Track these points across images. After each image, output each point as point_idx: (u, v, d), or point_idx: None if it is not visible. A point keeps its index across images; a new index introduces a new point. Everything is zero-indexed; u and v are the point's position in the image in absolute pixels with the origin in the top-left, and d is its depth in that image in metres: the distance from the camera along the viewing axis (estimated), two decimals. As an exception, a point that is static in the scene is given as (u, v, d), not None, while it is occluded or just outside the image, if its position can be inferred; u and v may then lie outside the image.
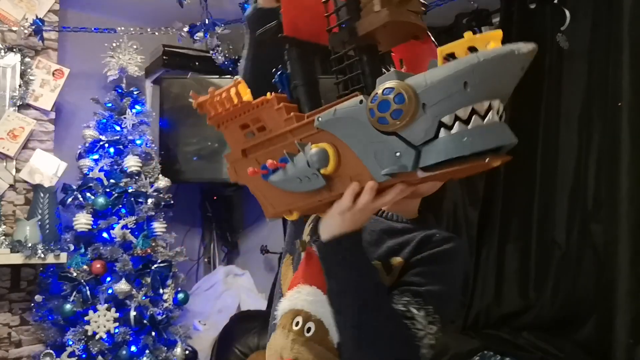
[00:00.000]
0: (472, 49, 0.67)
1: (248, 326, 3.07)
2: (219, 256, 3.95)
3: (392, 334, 0.91)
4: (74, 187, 2.86)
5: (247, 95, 0.87)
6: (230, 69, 3.25)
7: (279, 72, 0.91)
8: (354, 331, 0.93)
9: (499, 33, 0.69)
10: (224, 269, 3.72)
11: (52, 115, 2.98)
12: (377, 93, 0.71)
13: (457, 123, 0.67)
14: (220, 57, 3.15)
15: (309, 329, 1.00)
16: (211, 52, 3.15)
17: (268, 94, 0.87)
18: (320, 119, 0.78)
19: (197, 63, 3.47)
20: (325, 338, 0.99)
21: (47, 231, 2.72)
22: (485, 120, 0.67)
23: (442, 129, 0.68)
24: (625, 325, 1.97)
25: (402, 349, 0.92)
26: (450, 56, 0.68)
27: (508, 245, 2.57)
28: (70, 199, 2.83)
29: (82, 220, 2.77)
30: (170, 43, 3.33)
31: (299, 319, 1.02)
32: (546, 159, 2.54)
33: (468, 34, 0.68)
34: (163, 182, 3.03)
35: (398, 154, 0.72)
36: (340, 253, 0.91)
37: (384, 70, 0.81)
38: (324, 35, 0.83)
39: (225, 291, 3.54)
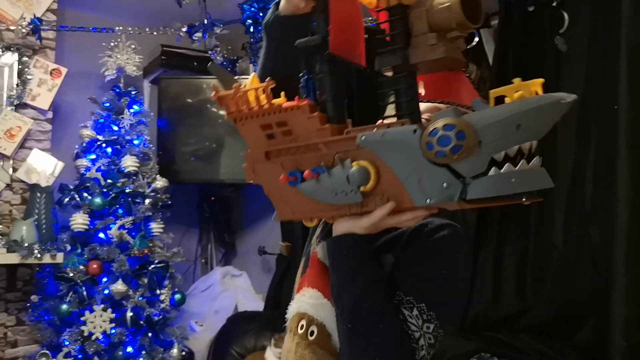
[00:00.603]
0: (520, 95, 0.74)
1: (245, 327, 3.06)
2: (216, 257, 3.94)
3: (384, 334, 0.90)
4: (71, 187, 2.85)
5: (277, 99, 0.89)
6: (228, 69, 3.24)
7: (305, 77, 0.91)
8: (347, 328, 0.94)
9: (540, 81, 0.77)
10: (221, 269, 3.71)
11: (50, 115, 2.98)
12: (436, 128, 0.75)
13: (507, 164, 0.73)
14: (218, 57, 3.15)
15: (312, 332, 1.00)
16: (210, 52, 3.15)
17: (283, 94, 0.89)
18: (364, 137, 0.82)
19: (195, 63, 3.46)
20: (328, 342, 0.99)
21: (44, 231, 2.71)
22: (531, 164, 0.75)
23: (493, 167, 0.74)
24: (620, 328, 1.97)
25: (394, 350, 0.91)
26: (500, 98, 0.75)
27: (506, 247, 2.57)
28: (67, 199, 2.82)
29: (79, 220, 2.77)
30: (169, 43, 3.33)
31: (303, 322, 1.02)
32: (544, 161, 2.53)
33: (517, 80, 0.76)
34: (161, 182, 3.03)
35: (445, 184, 0.77)
36: (345, 248, 0.93)
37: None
38: (359, 55, 0.86)
39: (223, 292, 3.53)
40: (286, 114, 0.88)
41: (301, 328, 1.02)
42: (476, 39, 2.67)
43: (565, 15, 2.35)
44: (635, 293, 1.97)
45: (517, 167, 0.74)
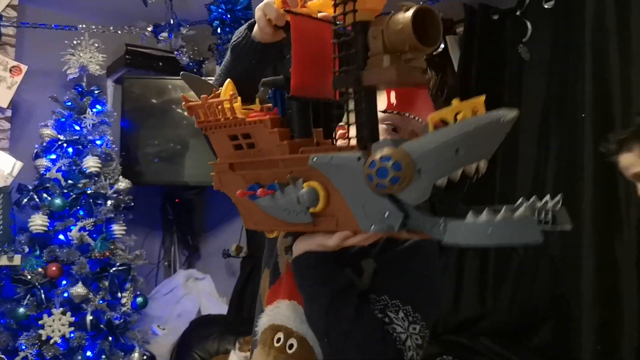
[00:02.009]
0: (460, 116, 0.72)
1: (208, 331, 3.04)
2: (180, 260, 3.90)
3: (362, 337, 0.91)
4: (30, 187, 2.79)
5: (242, 111, 0.89)
6: (194, 70, 3.21)
7: (272, 89, 0.92)
8: (324, 342, 0.95)
9: (482, 100, 0.73)
10: (185, 272, 3.67)
11: (9, 113, 2.91)
12: (374, 160, 0.74)
13: (485, 211, 0.69)
14: (184, 58, 3.12)
15: (291, 346, 0.99)
16: (175, 52, 3.12)
17: (258, 101, 0.90)
18: (315, 159, 0.81)
19: (160, 63, 3.42)
20: (311, 355, 0.98)
21: (1, 232, 2.64)
22: (517, 213, 0.68)
23: (470, 213, 0.70)
24: (592, 332, 2.01)
25: (376, 350, 0.91)
26: (441, 122, 0.72)
27: (467, 252, 2.61)
28: (25, 200, 2.76)
29: (38, 222, 2.70)
30: (134, 42, 3.28)
31: (280, 335, 1.00)
32: (505, 168, 2.58)
33: (456, 101, 0.72)
34: (123, 183, 2.98)
35: (387, 214, 0.76)
36: (304, 267, 0.95)
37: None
38: (327, 90, 0.84)
39: (185, 295, 3.49)
40: (250, 127, 0.89)
41: (277, 341, 1.00)
42: (442, 46, 2.71)
43: (528, 24, 2.40)
44: (605, 297, 2.02)
45: (497, 218, 0.68)
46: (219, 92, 0.92)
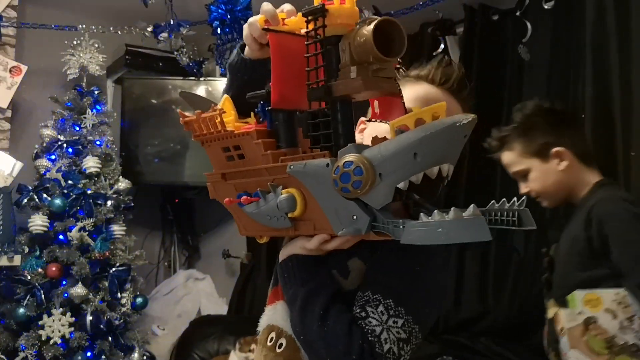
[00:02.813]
0: (420, 121, 0.76)
1: (208, 331, 3.04)
2: (180, 260, 3.90)
3: (328, 334, 0.93)
4: (30, 187, 2.79)
5: (230, 123, 0.96)
6: (194, 70, 3.21)
7: (260, 103, 0.96)
8: (301, 340, 0.99)
9: (443, 105, 0.78)
10: (184, 273, 3.67)
11: (9, 114, 2.90)
12: (339, 166, 0.79)
13: (435, 212, 0.72)
14: (184, 59, 3.12)
15: (280, 345, 1.02)
16: (175, 53, 3.12)
17: (252, 114, 0.96)
18: (292, 167, 0.86)
19: (160, 64, 3.42)
20: (297, 354, 1.01)
21: (1, 232, 2.64)
22: (466, 213, 0.71)
23: (422, 214, 0.73)
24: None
25: (340, 347, 0.92)
26: (402, 129, 0.77)
27: (467, 251, 2.61)
28: (25, 200, 2.76)
29: (38, 222, 2.70)
30: (134, 42, 3.28)
31: (273, 334, 1.04)
32: (506, 170, 2.59)
33: (416, 108, 0.77)
34: (123, 184, 2.98)
35: (355, 217, 0.81)
36: (286, 271, 1.02)
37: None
38: (306, 102, 0.88)
39: (185, 295, 3.49)
40: (239, 139, 0.94)
41: (270, 340, 1.03)
42: (442, 46, 2.71)
43: (528, 25, 2.40)
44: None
45: (447, 217, 0.71)
46: (217, 107, 0.97)
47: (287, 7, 0.96)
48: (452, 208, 0.71)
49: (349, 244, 0.91)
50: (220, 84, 3.20)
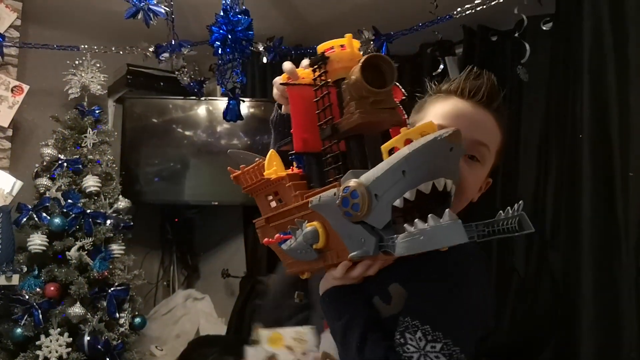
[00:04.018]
0: (408, 141, 0.80)
1: (206, 351, 3.02)
2: (179, 280, 3.88)
3: None
4: (30, 206, 2.78)
5: (273, 173, 1.03)
6: (195, 90, 3.23)
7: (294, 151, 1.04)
8: None
9: (431, 125, 0.82)
10: (183, 292, 3.65)
11: (10, 133, 2.91)
12: (338, 192, 0.85)
13: (417, 221, 0.76)
14: (185, 79, 3.14)
15: None
16: (176, 72, 3.13)
17: (294, 164, 1.04)
18: (312, 202, 0.91)
19: (161, 83, 3.44)
20: None
21: (0, 251, 2.63)
22: (442, 219, 0.75)
23: (405, 226, 0.77)
24: (591, 353, 1.99)
25: None
26: (392, 150, 0.81)
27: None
28: (25, 219, 2.75)
29: (37, 241, 2.69)
30: (135, 62, 3.30)
31: None
32: (506, 187, 2.59)
33: (404, 129, 0.83)
34: (123, 203, 2.98)
35: (363, 240, 0.84)
36: (325, 305, 1.06)
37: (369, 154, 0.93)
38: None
39: (184, 315, 3.47)
40: (276, 185, 1.03)
41: None
42: (441, 67, 2.73)
43: (527, 46, 2.42)
44: (604, 319, 2.00)
45: (427, 225, 0.75)
46: (263, 161, 1.05)
47: (286, 66, 1.05)
48: (430, 215, 0.75)
49: (373, 270, 0.95)
50: (221, 103, 3.22)
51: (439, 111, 1.11)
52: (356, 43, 0.97)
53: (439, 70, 2.73)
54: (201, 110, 3.44)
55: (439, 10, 2.39)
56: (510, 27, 2.55)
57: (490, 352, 2.43)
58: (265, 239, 1.05)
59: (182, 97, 3.40)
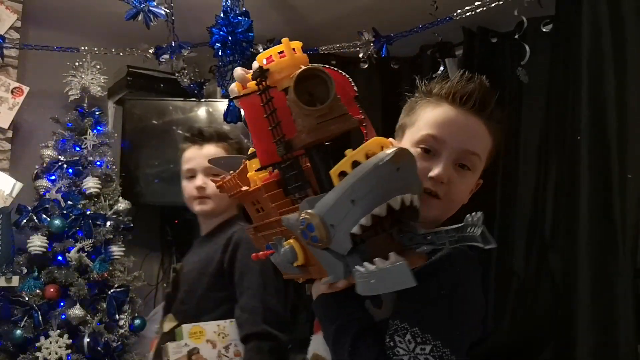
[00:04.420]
0: (356, 163, 0.77)
1: (206, 353, 3.01)
2: (179, 281, 3.87)
3: None
4: (30, 208, 2.78)
5: (250, 174, 1.01)
6: (195, 91, 3.23)
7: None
8: None
9: (376, 142, 0.79)
10: (183, 294, 3.64)
11: (9, 134, 2.91)
12: (298, 224, 0.82)
13: (365, 263, 0.76)
14: (185, 80, 3.14)
15: None
16: (176, 74, 3.13)
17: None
18: (283, 221, 0.89)
19: (161, 85, 3.44)
20: None
21: (0, 253, 2.63)
22: (389, 261, 0.74)
23: (357, 266, 0.77)
24: (587, 355, 1.99)
25: None
26: (342, 174, 0.78)
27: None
28: (25, 220, 2.75)
29: (37, 243, 2.69)
30: (135, 64, 3.30)
31: None
32: (505, 189, 2.59)
33: (349, 151, 0.78)
34: (123, 204, 2.98)
35: (332, 265, 0.83)
36: (317, 311, 1.05)
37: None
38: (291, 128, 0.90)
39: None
40: (256, 194, 1.00)
41: None
42: (441, 68, 2.73)
43: (527, 47, 2.42)
44: (601, 321, 2.00)
45: (375, 268, 0.74)
46: (245, 165, 1.03)
47: (236, 72, 0.97)
48: (377, 259, 0.75)
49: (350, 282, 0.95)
50: (221, 105, 3.22)
51: (430, 118, 1.10)
52: (296, 44, 0.90)
53: (439, 72, 2.73)
54: (201, 112, 3.44)
55: (438, 12, 2.39)
56: (510, 28, 2.56)
57: (489, 355, 2.43)
58: (254, 254, 1.03)
59: (182, 99, 3.39)
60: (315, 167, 0.87)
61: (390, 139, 1.14)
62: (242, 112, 1.00)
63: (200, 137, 1.97)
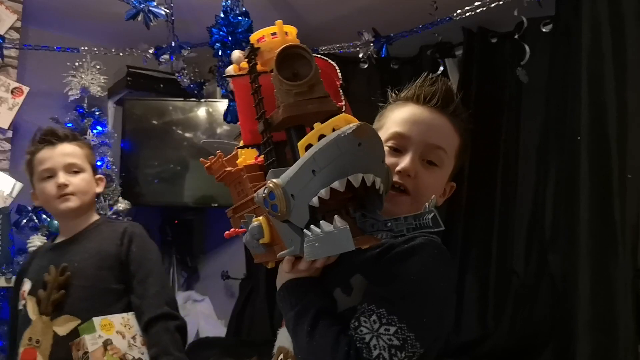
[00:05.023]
0: (322, 137, 0.79)
1: (206, 353, 3.01)
2: (178, 281, 3.87)
3: (317, 347, 0.95)
4: (29, 208, 2.78)
5: (239, 160, 1.03)
6: (195, 92, 3.23)
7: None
8: (299, 357, 1.02)
9: (343, 118, 0.81)
10: (183, 294, 3.65)
11: (9, 134, 2.91)
12: (261, 192, 0.84)
13: (312, 227, 0.77)
14: (185, 80, 3.14)
15: None
16: (176, 74, 3.14)
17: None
18: (256, 197, 0.89)
19: (161, 85, 3.44)
20: None
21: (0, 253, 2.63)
22: (333, 225, 0.76)
23: (305, 230, 0.79)
24: (587, 355, 1.99)
25: (334, 356, 0.93)
26: (309, 146, 0.80)
27: (467, 274, 2.60)
28: (24, 221, 2.75)
29: (37, 243, 2.68)
30: (135, 64, 3.30)
31: (282, 356, 1.07)
32: (505, 190, 2.59)
33: (317, 125, 0.81)
34: (123, 204, 2.98)
35: (291, 239, 0.84)
36: (279, 299, 1.05)
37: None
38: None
39: (184, 317, 3.46)
40: (238, 176, 1.02)
41: None
42: (441, 68, 2.73)
43: (527, 48, 2.42)
44: (600, 322, 2.00)
45: (320, 232, 0.76)
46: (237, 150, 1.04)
47: (234, 55, 1.02)
48: (322, 222, 0.76)
49: (319, 263, 0.96)
50: (221, 105, 3.22)
51: (397, 117, 1.14)
52: (290, 29, 0.93)
53: (439, 72, 2.73)
54: (201, 112, 3.44)
55: (438, 12, 2.40)
56: (510, 29, 2.55)
57: (489, 355, 2.43)
58: (227, 232, 1.06)
59: (182, 99, 3.40)
60: (292, 147, 0.89)
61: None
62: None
63: (54, 137, 1.96)
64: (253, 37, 0.92)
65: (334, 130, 0.78)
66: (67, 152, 1.93)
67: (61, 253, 1.90)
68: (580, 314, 2.02)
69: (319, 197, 0.78)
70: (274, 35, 0.90)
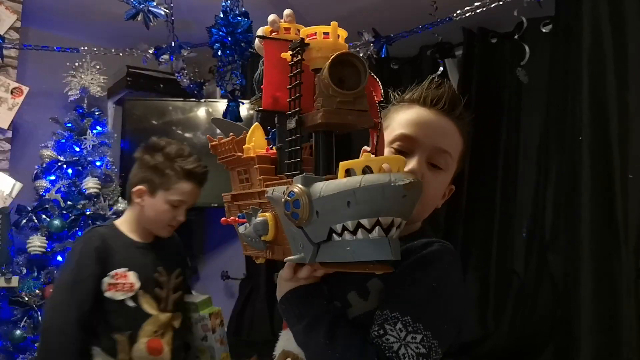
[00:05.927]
0: (367, 169, 0.76)
1: (206, 354, 3.00)
2: (178, 281, 3.87)
3: (341, 355, 0.93)
4: (29, 208, 2.78)
5: (247, 146, 1.00)
6: (195, 92, 3.23)
7: (272, 130, 1.00)
8: None
9: (397, 160, 0.77)
10: (183, 294, 3.64)
11: (9, 134, 2.91)
12: (285, 194, 0.80)
13: (345, 232, 0.75)
14: (185, 80, 3.14)
15: None
16: (176, 74, 3.14)
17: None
18: (267, 193, 0.88)
19: (161, 85, 3.44)
20: None
21: (-1, 253, 2.63)
22: (371, 234, 0.74)
23: (334, 234, 0.77)
24: (589, 356, 1.99)
25: None
26: (349, 171, 0.77)
27: (468, 274, 2.60)
28: (24, 221, 2.75)
29: (36, 243, 2.69)
30: (135, 64, 3.30)
31: None
32: (506, 190, 2.59)
33: (366, 155, 0.78)
34: (122, 205, 2.98)
35: (302, 245, 0.81)
36: (282, 309, 1.03)
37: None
38: (306, 106, 0.90)
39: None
40: (247, 163, 1.00)
41: None
42: (441, 69, 2.73)
43: (527, 48, 2.42)
44: (603, 322, 2.00)
45: (355, 237, 0.74)
46: (246, 134, 1.02)
47: (286, 11, 0.99)
48: (360, 229, 0.74)
49: (320, 272, 0.94)
50: (221, 105, 3.22)
51: (402, 119, 1.13)
52: (342, 32, 0.90)
53: (439, 72, 2.73)
54: (201, 112, 3.44)
55: (438, 13, 2.39)
56: (509, 29, 2.55)
57: (489, 355, 2.43)
58: (223, 219, 1.03)
59: (181, 99, 3.40)
60: (317, 150, 0.87)
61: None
62: (262, 53, 0.97)
63: (204, 179, 2.03)
64: (304, 32, 0.90)
65: (381, 169, 0.76)
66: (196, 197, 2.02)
67: (155, 255, 1.96)
68: (582, 315, 2.02)
69: (343, 225, 0.76)
70: (326, 35, 0.88)
